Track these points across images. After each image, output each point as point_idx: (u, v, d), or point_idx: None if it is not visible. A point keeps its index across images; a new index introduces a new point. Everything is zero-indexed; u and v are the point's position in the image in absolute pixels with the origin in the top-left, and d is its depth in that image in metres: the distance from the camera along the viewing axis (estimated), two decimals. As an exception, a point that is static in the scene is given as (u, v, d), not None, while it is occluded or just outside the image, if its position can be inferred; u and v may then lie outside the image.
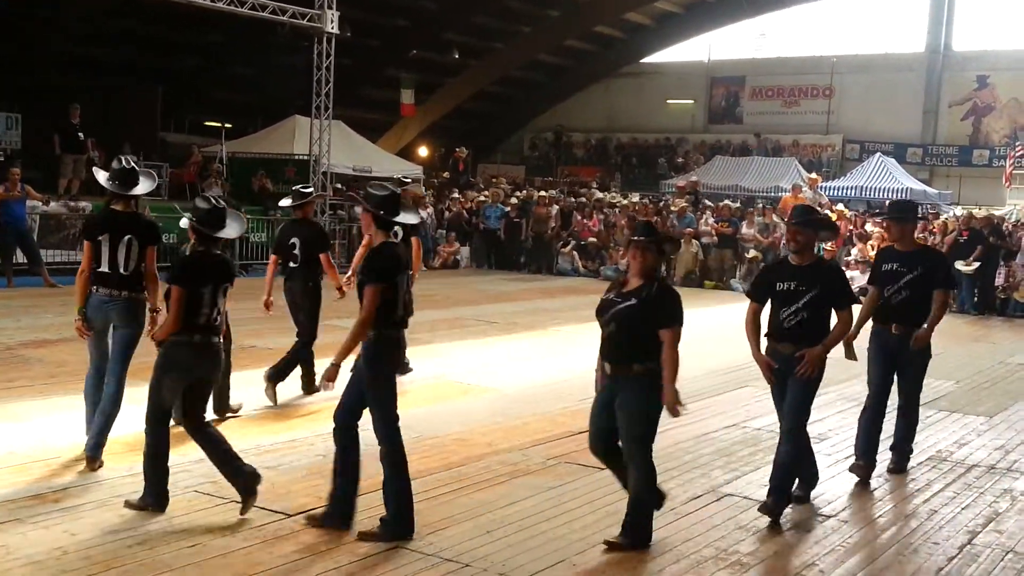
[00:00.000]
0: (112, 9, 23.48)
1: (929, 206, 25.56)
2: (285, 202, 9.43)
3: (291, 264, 8.54)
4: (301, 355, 8.51)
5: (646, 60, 38.11)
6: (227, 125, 25.32)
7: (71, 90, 22.38)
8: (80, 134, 18.91)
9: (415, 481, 6.27)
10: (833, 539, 5.71)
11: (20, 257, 15.41)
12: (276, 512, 5.60)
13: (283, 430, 7.45)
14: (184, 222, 6.69)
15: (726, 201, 23.04)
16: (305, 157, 21.48)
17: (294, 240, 8.51)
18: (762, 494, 6.41)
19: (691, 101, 37.73)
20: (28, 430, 7.02)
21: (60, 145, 18.81)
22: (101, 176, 6.70)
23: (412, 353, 10.30)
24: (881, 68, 33.72)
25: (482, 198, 23.91)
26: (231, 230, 5.83)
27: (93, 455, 6.26)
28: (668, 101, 37.77)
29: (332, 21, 19.80)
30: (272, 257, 8.88)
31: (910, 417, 7.09)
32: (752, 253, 20.43)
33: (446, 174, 29.83)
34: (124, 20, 24.43)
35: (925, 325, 6.78)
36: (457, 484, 6.34)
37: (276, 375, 8.30)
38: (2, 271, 15.16)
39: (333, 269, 8.80)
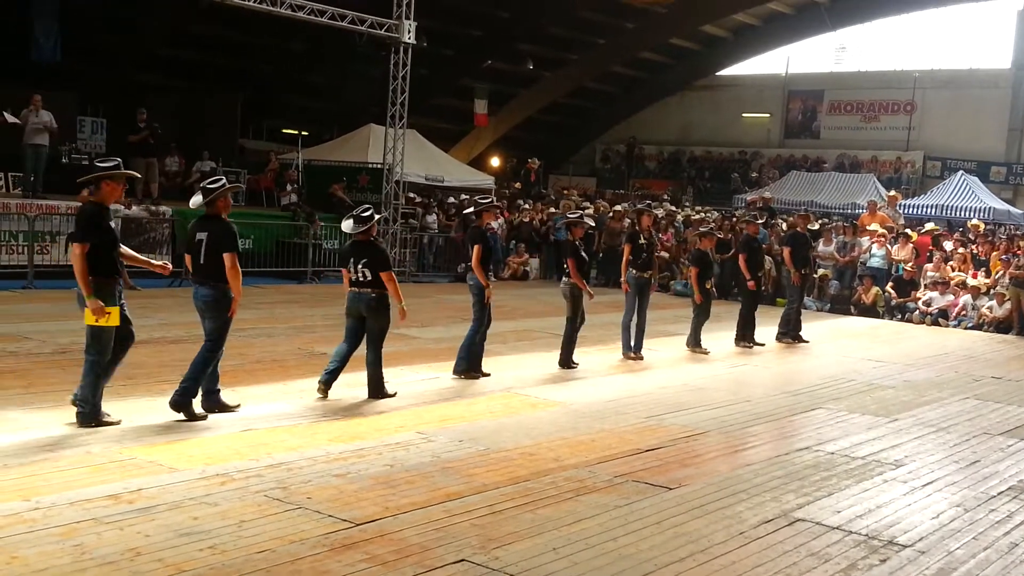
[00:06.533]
0: (196, 15, 24.01)
1: (1013, 226, 24.85)
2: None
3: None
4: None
5: (722, 73, 37.75)
6: (304, 133, 25.72)
7: (154, 95, 22.97)
8: (151, 138, 19.02)
9: (482, 495, 6.30)
10: (909, 570, 5.54)
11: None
12: (344, 521, 5.63)
13: (352, 438, 7.49)
14: None
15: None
16: (379, 165, 21.69)
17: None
18: (836, 520, 6.29)
19: (767, 115, 37.27)
20: (106, 430, 7.16)
21: (132, 149, 18.98)
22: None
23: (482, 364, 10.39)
24: (965, 84, 32.92)
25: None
26: None
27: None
28: (744, 115, 37.34)
29: (409, 31, 19.98)
30: None
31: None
32: (821, 271, 20.02)
33: (517, 184, 29.86)
34: (206, 26, 24.95)
35: None
36: (523, 499, 6.31)
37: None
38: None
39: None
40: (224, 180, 8.19)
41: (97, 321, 7.04)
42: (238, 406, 7.93)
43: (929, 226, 21.97)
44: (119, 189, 7.47)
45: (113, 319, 7.11)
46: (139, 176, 8.57)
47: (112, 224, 7.36)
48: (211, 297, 7.68)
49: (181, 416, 7.59)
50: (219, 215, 7.75)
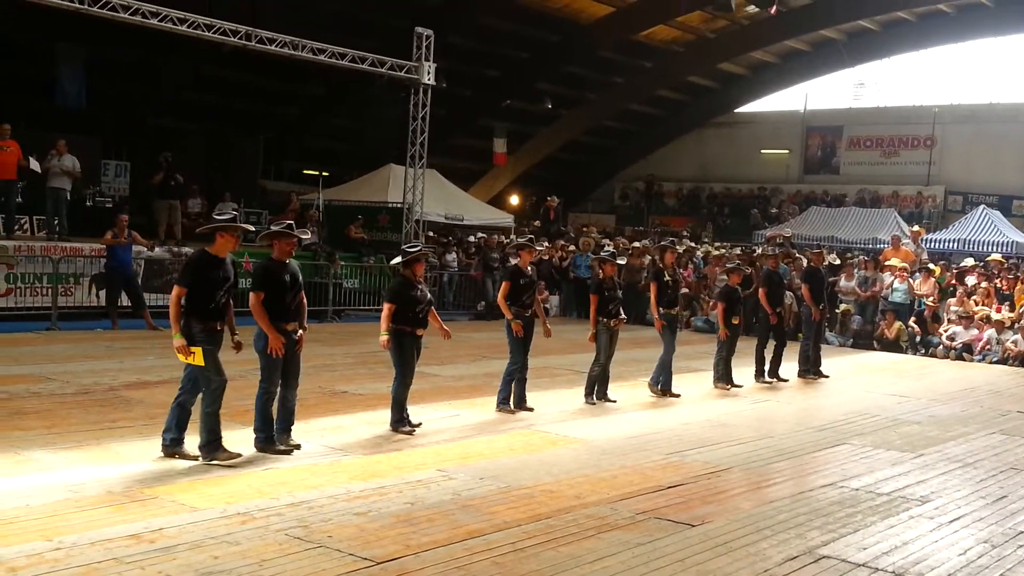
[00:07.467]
0: (219, 60, 24.37)
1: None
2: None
3: None
4: None
5: (740, 110, 37.85)
6: (324, 173, 25.93)
7: (177, 138, 23.23)
8: (172, 181, 19.20)
9: (503, 533, 6.25)
10: (937, 608, 5.46)
11: (124, 300, 15.94)
12: (365, 559, 5.60)
13: (372, 476, 7.48)
14: None
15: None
16: (399, 205, 21.83)
17: None
18: (862, 557, 6.20)
19: (786, 151, 37.28)
20: (127, 470, 7.19)
21: (153, 191, 19.12)
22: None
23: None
24: (986, 118, 32.82)
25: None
26: None
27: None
28: (762, 151, 37.37)
29: (428, 73, 20.20)
30: None
31: None
32: (843, 307, 19.91)
33: (537, 223, 29.94)
34: (229, 71, 25.27)
35: None
36: (545, 536, 6.26)
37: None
38: (107, 314, 15.71)
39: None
40: (292, 223, 8.50)
41: (186, 359, 7.41)
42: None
43: (969, 261, 21.82)
44: (232, 241, 7.72)
45: (196, 359, 7.39)
46: (252, 230, 9.03)
47: (218, 274, 7.55)
48: (254, 335, 7.93)
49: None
50: (271, 257, 8.06)
